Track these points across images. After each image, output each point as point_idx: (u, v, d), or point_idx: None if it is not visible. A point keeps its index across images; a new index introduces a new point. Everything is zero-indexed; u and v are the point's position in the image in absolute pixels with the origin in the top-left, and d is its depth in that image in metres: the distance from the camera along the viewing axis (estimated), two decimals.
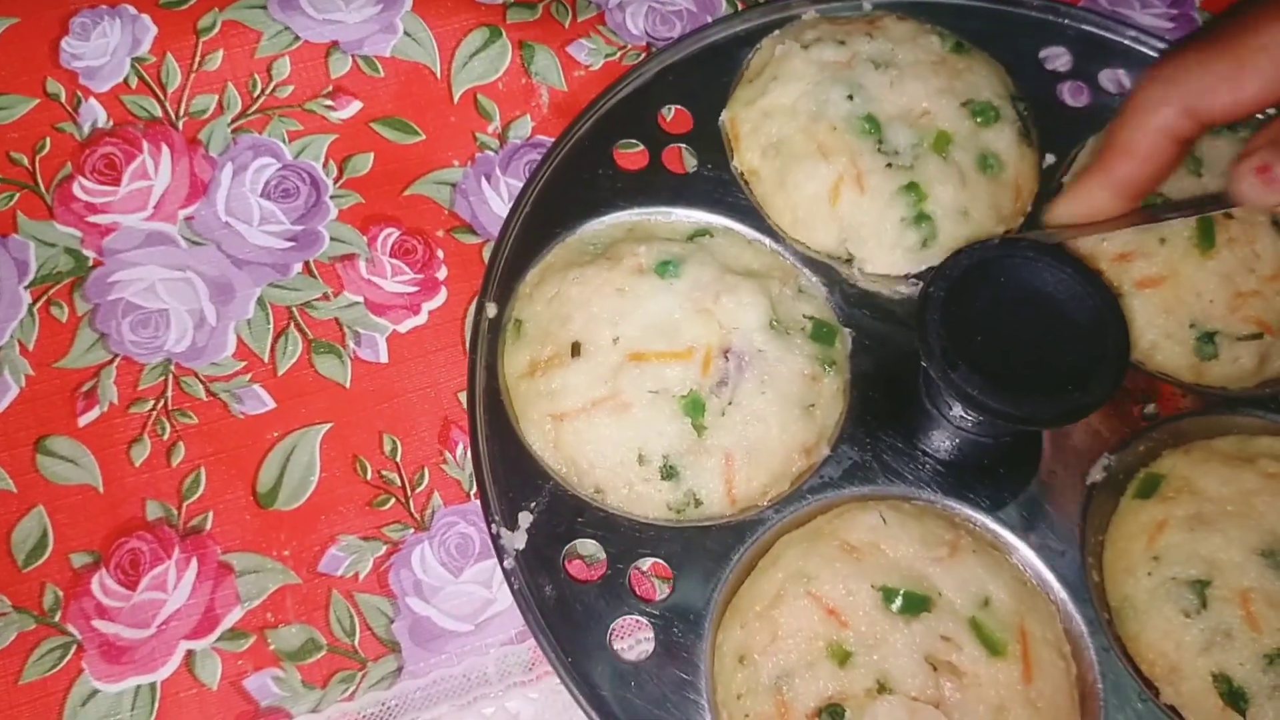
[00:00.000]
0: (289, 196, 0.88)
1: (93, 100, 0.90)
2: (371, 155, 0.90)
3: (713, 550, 0.73)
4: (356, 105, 0.91)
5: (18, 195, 0.86)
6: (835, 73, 0.84)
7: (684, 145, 0.87)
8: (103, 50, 0.91)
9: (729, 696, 0.69)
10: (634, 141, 0.87)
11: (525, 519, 0.74)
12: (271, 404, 0.81)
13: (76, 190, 0.87)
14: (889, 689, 0.65)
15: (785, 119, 0.84)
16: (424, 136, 0.91)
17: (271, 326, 0.83)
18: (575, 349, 0.76)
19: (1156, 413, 0.77)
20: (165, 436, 0.80)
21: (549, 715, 0.74)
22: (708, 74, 0.90)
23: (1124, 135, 0.70)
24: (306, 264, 0.86)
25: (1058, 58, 0.92)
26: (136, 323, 0.83)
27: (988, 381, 0.65)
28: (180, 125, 0.90)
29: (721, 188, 0.85)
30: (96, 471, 0.78)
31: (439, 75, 0.93)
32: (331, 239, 0.87)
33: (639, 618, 0.71)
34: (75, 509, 0.77)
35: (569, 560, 0.73)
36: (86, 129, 0.89)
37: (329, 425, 0.81)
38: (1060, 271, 0.68)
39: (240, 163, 0.89)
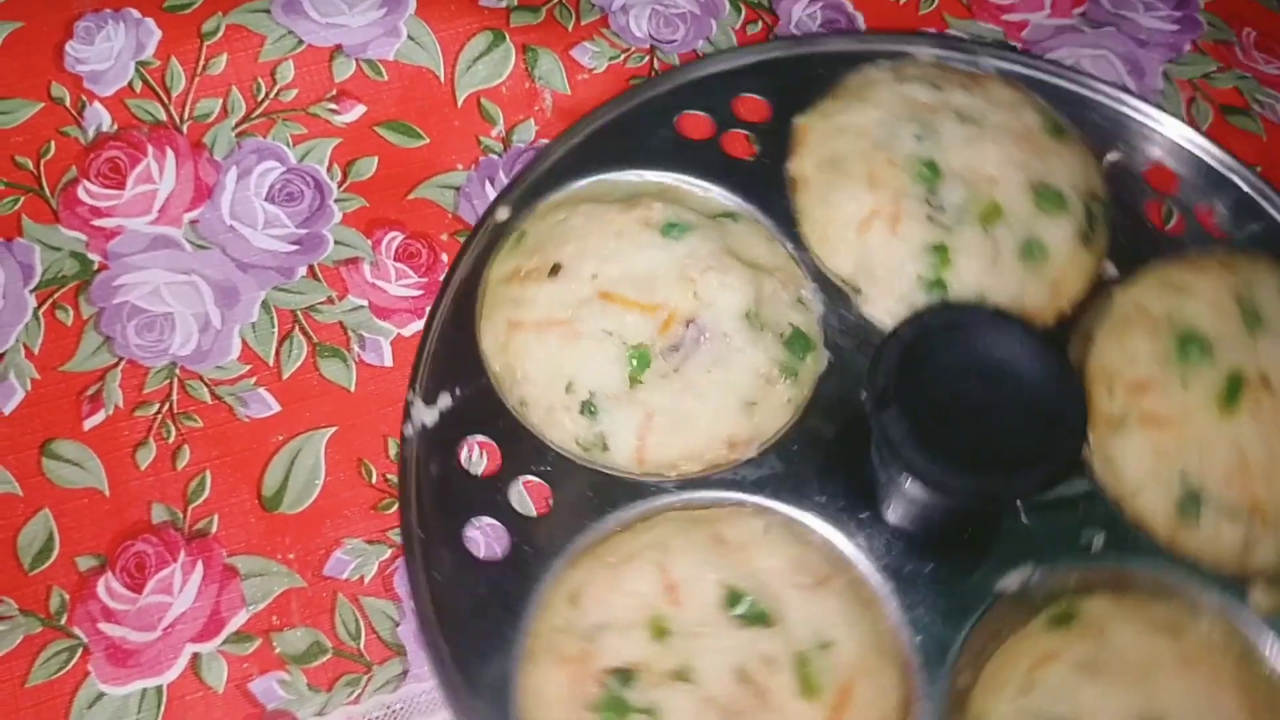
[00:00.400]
0: (293, 200, 0.88)
1: (97, 104, 0.90)
2: (375, 159, 0.90)
3: (598, 497, 0.73)
4: (360, 109, 0.92)
5: (22, 199, 0.87)
6: (916, 111, 0.82)
7: (750, 133, 0.87)
8: (107, 54, 0.91)
9: (547, 627, 0.68)
10: (703, 114, 0.88)
11: (444, 400, 0.75)
12: (277, 407, 0.81)
13: (81, 194, 0.87)
14: (687, 679, 0.64)
15: (851, 139, 0.83)
16: (428, 140, 0.91)
17: (276, 330, 0.84)
18: (555, 269, 0.77)
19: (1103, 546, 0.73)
20: (170, 440, 0.80)
21: None
22: (806, 80, 0.89)
23: None
24: (311, 267, 0.86)
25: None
26: (141, 326, 0.83)
27: (914, 432, 0.63)
28: (184, 129, 0.90)
29: (767, 183, 0.85)
30: (102, 475, 0.78)
31: (443, 79, 0.93)
32: (336, 242, 0.87)
33: (504, 526, 0.72)
34: (81, 512, 0.77)
35: (464, 449, 0.75)
36: (91, 133, 0.89)
37: (334, 429, 0.81)
38: (1042, 358, 0.66)
39: (244, 166, 0.89)
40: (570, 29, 0.96)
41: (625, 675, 0.65)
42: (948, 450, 0.63)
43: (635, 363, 0.75)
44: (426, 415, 0.75)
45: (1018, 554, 0.72)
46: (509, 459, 0.75)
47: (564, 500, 0.74)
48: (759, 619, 0.66)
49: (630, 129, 0.87)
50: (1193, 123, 0.95)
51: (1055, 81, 0.90)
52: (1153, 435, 0.73)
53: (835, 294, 0.81)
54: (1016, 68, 0.90)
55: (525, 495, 0.75)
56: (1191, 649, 0.68)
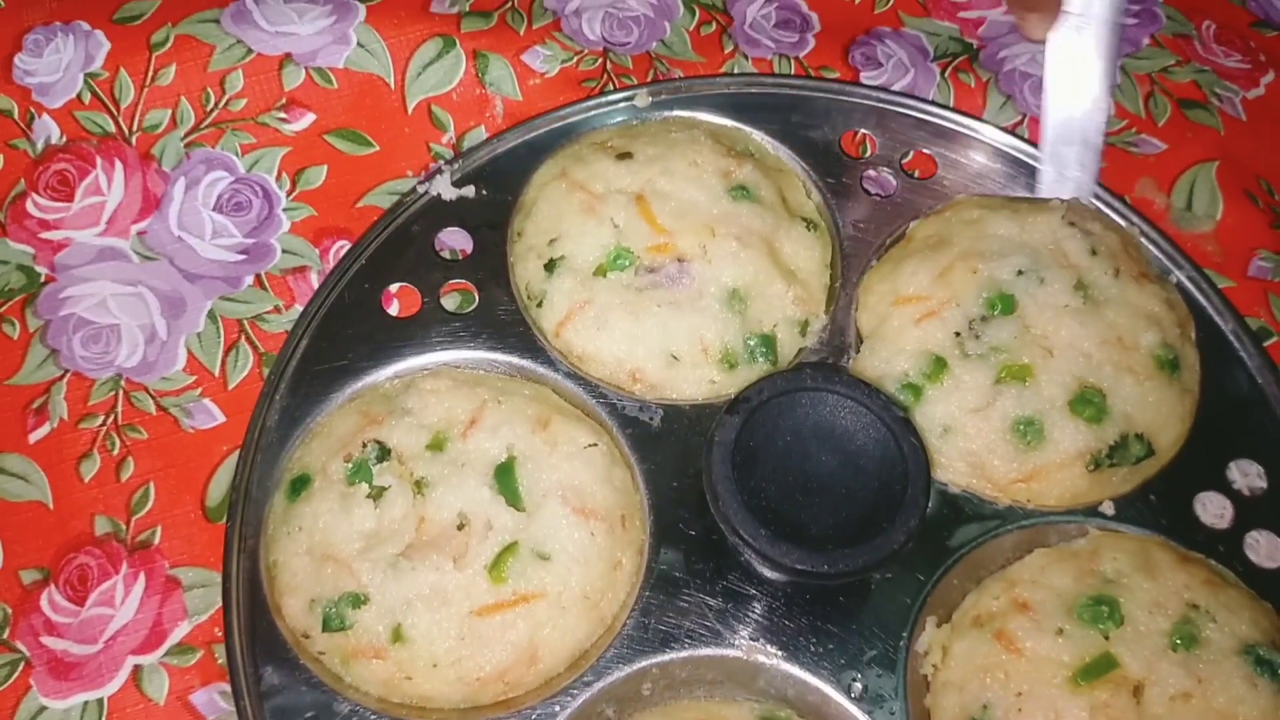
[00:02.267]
0: (241, 210, 0.88)
1: (46, 116, 0.90)
2: (325, 167, 0.90)
3: (504, 337, 0.80)
4: (310, 117, 0.92)
5: None
6: (1047, 253, 0.79)
7: (904, 181, 0.88)
8: (56, 66, 0.91)
9: (384, 389, 0.78)
10: (874, 137, 0.90)
11: (469, 190, 0.85)
12: (222, 418, 0.81)
13: (30, 207, 0.87)
14: (420, 492, 0.71)
15: (970, 235, 0.81)
16: (378, 148, 0.91)
17: (222, 340, 0.84)
18: (624, 155, 0.84)
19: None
20: (115, 452, 0.80)
21: None
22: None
23: None
24: (258, 277, 0.86)
25: None
26: (87, 338, 0.83)
27: (754, 523, 0.65)
28: (133, 140, 0.90)
29: (877, 221, 0.85)
30: (46, 488, 0.78)
31: (393, 86, 0.93)
32: (283, 251, 0.87)
33: (420, 297, 0.82)
34: (25, 526, 0.77)
35: (442, 234, 0.84)
36: (40, 145, 0.89)
37: None
38: (874, 421, 0.68)
39: (193, 177, 0.89)
40: (522, 33, 0.96)
41: (384, 453, 0.73)
42: (749, 484, 0.66)
43: (613, 259, 0.79)
44: (447, 191, 0.85)
45: (779, 635, 0.71)
46: (470, 262, 0.83)
47: (478, 319, 0.81)
48: (512, 496, 0.71)
49: (802, 109, 0.90)
50: (1150, 117, 0.94)
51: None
52: (995, 651, 0.69)
53: (840, 343, 0.81)
54: None
55: (457, 293, 0.82)
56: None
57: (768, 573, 0.72)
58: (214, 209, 0.88)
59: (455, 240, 0.84)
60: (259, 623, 0.71)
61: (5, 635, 0.74)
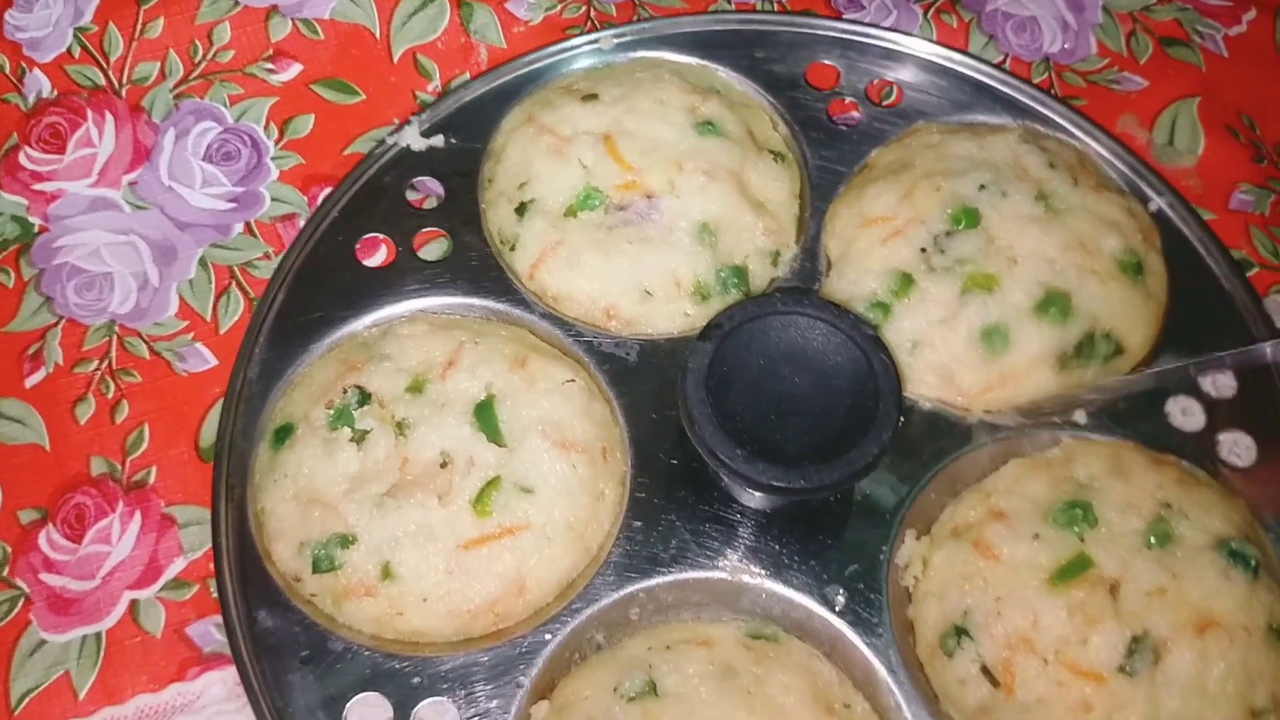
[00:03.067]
0: (230, 159, 0.89)
1: (37, 71, 0.91)
2: (312, 116, 0.91)
3: (478, 281, 0.81)
4: (297, 68, 0.93)
5: None
6: (1007, 168, 0.81)
7: (868, 110, 0.89)
8: (46, 21, 0.92)
9: (361, 337, 0.79)
10: (834, 67, 0.91)
11: (438, 139, 0.86)
12: (214, 361, 0.83)
13: (22, 159, 0.89)
14: (402, 433, 0.72)
15: (931, 157, 0.82)
16: (364, 96, 0.92)
17: (213, 286, 0.85)
18: (590, 97, 0.85)
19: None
20: (110, 395, 0.81)
21: None
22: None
23: None
24: (248, 224, 0.87)
25: None
26: (81, 286, 0.84)
27: (729, 444, 0.65)
28: (123, 93, 0.91)
29: (843, 150, 0.87)
30: (43, 430, 0.80)
31: (378, 36, 0.94)
32: (272, 199, 0.88)
33: (394, 248, 0.82)
34: (23, 467, 0.79)
35: (413, 184, 0.85)
36: (31, 99, 0.90)
37: None
38: (845, 340, 0.68)
39: (182, 127, 0.90)
40: None
41: (365, 398, 0.74)
42: (725, 408, 0.66)
43: (583, 199, 0.80)
44: (416, 142, 0.86)
45: (762, 555, 0.72)
46: (442, 210, 0.84)
47: (451, 265, 0.82)
48: (492, 432, 0.73)
49: (766, 44, 0.92)
50: (1131, 55, 0.95)
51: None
52: (973, 559, 0.70)
53: (811, 270, 0.82)
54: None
55: (429, 241, 0.83)
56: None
57: (746, 499, 0.73)
58: (203, 159, 0.89)
59: (427, 188, 0.85)
60: (250, 569, 0.72)
61: (5, 573, 0.76)
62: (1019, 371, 0.76)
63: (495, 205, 0.83)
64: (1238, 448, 0.76)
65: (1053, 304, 0.75)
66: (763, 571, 0.72)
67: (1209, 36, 0.96)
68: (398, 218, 0.83)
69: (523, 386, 0.74)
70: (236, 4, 0.93)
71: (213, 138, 0.90)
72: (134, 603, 0.75)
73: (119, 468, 0.79)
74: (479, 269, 0.81)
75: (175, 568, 0.76)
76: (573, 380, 0.75)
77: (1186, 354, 0.79)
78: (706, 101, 0.84)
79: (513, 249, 0.81)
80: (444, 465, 0.71)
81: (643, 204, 0.80)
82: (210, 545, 0.76)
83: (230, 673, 0.73)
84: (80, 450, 0.79)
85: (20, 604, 0.75)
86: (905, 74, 0.90)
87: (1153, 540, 0.69)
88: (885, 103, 0.90)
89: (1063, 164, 0.82)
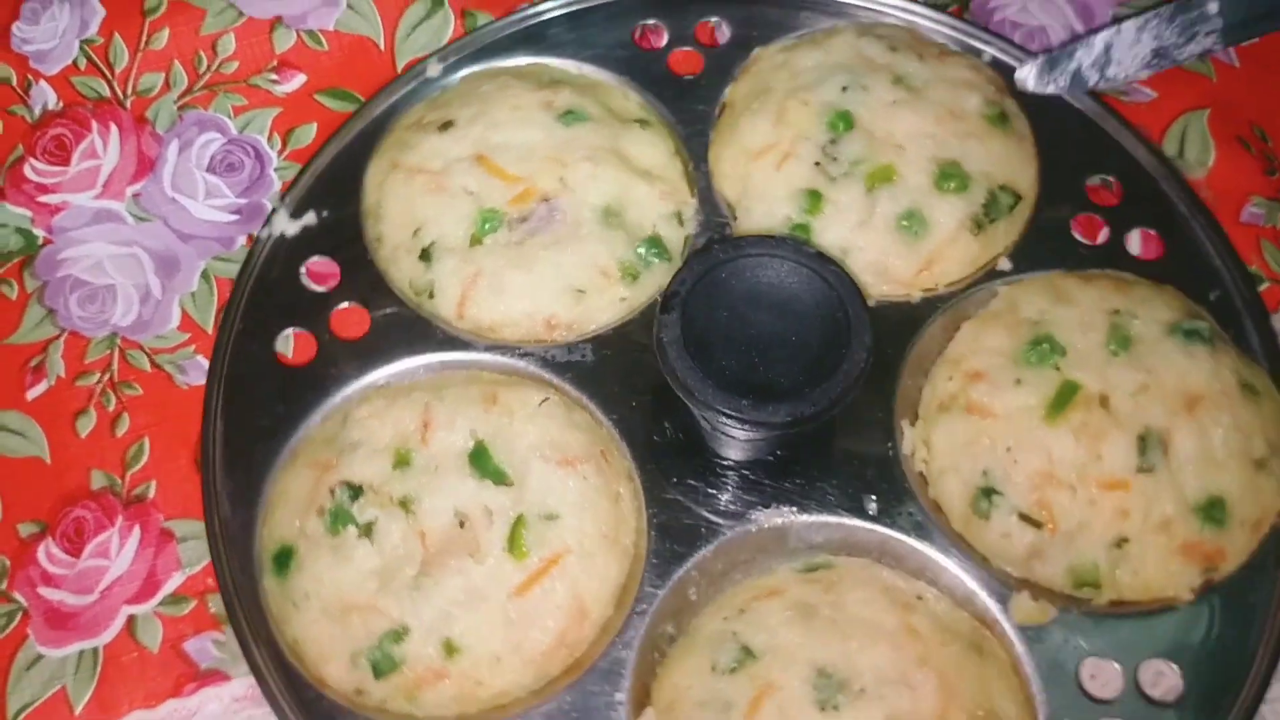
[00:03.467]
0: (234, 170, 0.89)
1: (43, 83, 0.91)
2: (315, 125, 0.91)
3: (407, 339, 0.79)
4: (301, 78, 0.92)
5: None
6: (858, 65, 0.84)
7: (702, 54, 0.90)
8: (52, 33, 0.92)
9: (317, 436, 0.75)
10: (662, 26, 0.91)
11: (309, 217, 0.83)
12: None
13: (27, 171, 0.89)
14: (408, 508, 0.70)
15: (785, 75, 0.85)
16: None
17: (215, 299, 0.85)
18: (447, 125, 0.83)
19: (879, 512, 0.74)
20: (110, 408, 0.81)
21: None
22: (775, 17, 0.91)
23: None
24: (251, 236, 0.87)
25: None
26: (84, 298, 0.84)
27: (682, 342, 0.66)
28: (128, 104, 0.91)
29: (695, 101, 0.87)
30: (44, 443, 0.80)
31: (382, 47, 0.93)
32: None
33: (315, 340, 0.79)
34: (23, 480, 0.79)
35: (305, 269, 0.82)
36: (37, 111, 0.91)
37: None
38: (794, 266, 0.69)
39: (186, 139, 0.90)
40: None
41: (356, 490, 0.71)
42: (712, 368, 0.66)
43: (482, 224, 0.79)
44: (289, 226, 0.82)
45: (785, 495, 0.74)
46: (345, 285, 0.81)
47: (379, 334, 0.79)
48: (496, 475, 0.71)
49: (585, 24, 0.91)
50: None
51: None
52: (971, 423, 0.73)
53: (715, 219, 0.83)
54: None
55: (346, 320, 0.80)
56: (914, 627, 0.68)
57: (749, 450, 0.75)
58: (207, 170, 0.89)
59: (320, 269, 0.82)
60: (310, 703, 0.69)
61: (3, 586, 0.76)
62: (943, 245, 0.79)
63: (395, 261, 0.81)
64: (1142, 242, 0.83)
65: (949, 176, 0.79)
66: (792, 509, 0.73)
67: None
68: (304, 308, 0.80)
69: (504, 422, 0.73)
70: (241, 15, 0.93)
71: (216, 149, 0.90)
72: (131, 618, 0.75)
73: (119, 481, 0.79)
74: (407, 328, 0.79)
75: (173, 583, 0.76)
76: (547, 398, 0.74)
77: (1068, 178, 0.84)
78: (558, 93, 0.84)
79: (431, 296, 0.79)
80: (463, 525, 0.70)
81: (542, 209, 0.79)
82: (210, 559, 0.76)
83: (226, 689, 0.73)
84: (80, 463, 0.79)
85: (18, 618, 0.75)
86: (723, 10, 0.91)
87: (1114, 347, 0.74)
88: (718, 42, 0.91)
89: (902, 45, 0.85)
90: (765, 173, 0.81)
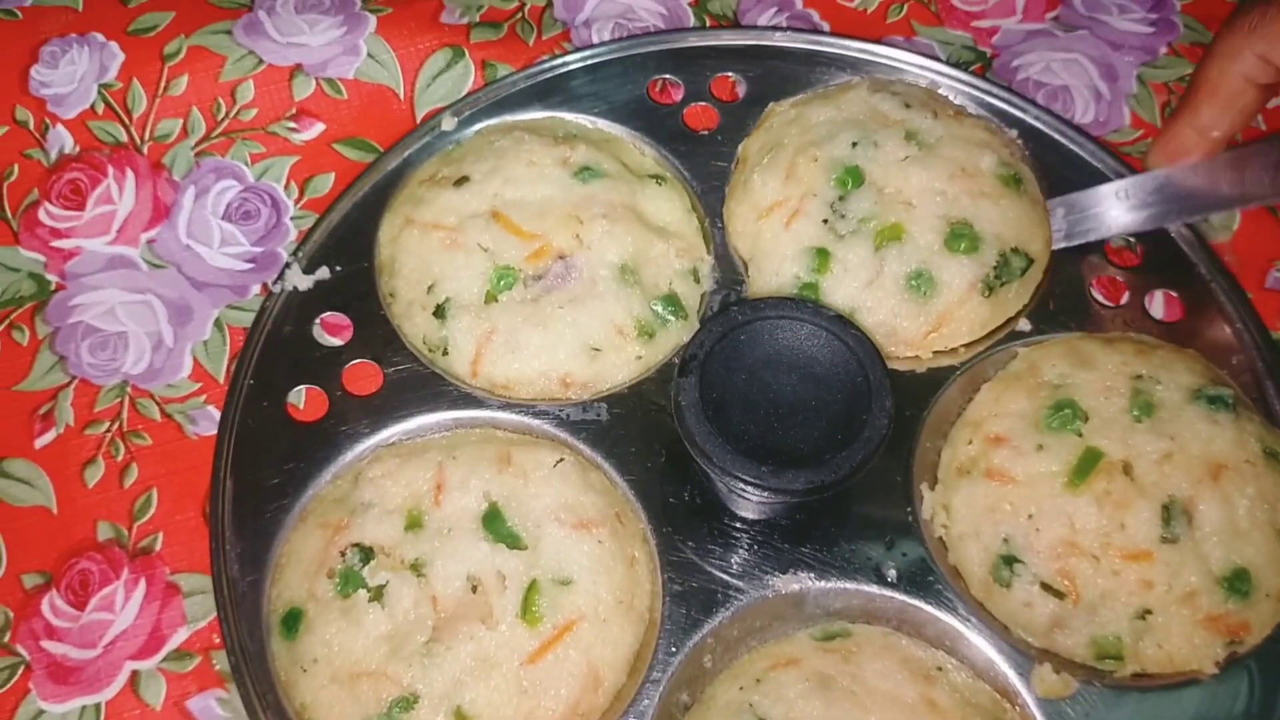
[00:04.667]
0: (249, 219, 0.89)
1: (60, 127, 0.91)
2: (333, 175, 0.91)
3: (422, 396, 0.78)
4: (319, 127, 0.92)
5: None
6: (870, 121, 0.83)
7: (716, 109, 0.90)
8: (71, 78, 0.92)
9: (328, 496, 0.74)
10: (677, 82, 0.92)
11: (322, 272, 0.82)
12: None
13: (42, 216, 0.88)
14: (420, 572, 0.69)
15: (796, 131, 0.85)
16: None
17: (228, 348, 0.84)
18: (462, 180, 0.82)
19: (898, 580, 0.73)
20: (119, 458, 0.80)
21: None
22: (787, 72, 0.92)
23: (1209, 80, 0.77)
24: (265, 285, 0.86)
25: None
26: (95, 345, 0.84)
27: (700, 405, 0.66)
28: (145, 150, 0.91)
29: (711, 157, 0.87)
30: (51, 493, 0.79)
31: (402, 97, 0.93)
32: None
33: (327, 398, 0.78)
34: (29, 530, 0.78)
35: (318, 323, 0.81)
36: (54, 155, 0.90)
37: None
38: (813, 330, 0.69)
39: (202, 185, 0.90)
40: (531, 44, 0.96)
41: (367, 553, 0.70)
42: (730, 431, 0.66)
43: (497, 281, 0.78)
44: (302, 281, 0.81)
45: (803, 561, 0.73)
46: (358, 341, 0.80)
47: (392, 391, 0.78)
48: (510, 539, 0.70)
49: (602, 78, 0.91)
50: None
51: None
52: (991, 489, 0.73)
53: (732, 275, 0.83)
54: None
55: (358, 376, 0.79)
56: (934, 700, 0.67)
57: (764, 512, 0.74)
58: (223, 217, 0.89)
59: (332, 324, 0.81)
60: None
61: (6, 639, 0.74)
62: (953, 308, 0.79)
63: (409, 316, 0.80)
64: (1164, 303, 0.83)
65: (960, 236, 0.78)
66: (810, 574, 0.73)
67: None
68: (316, 363, 0.79)
69: (518, 483, 0.72)
70: (261, 63, 0.93)
71: (233, 196, 0.89)
72: (135, 673, 0.74)
73: (125, 533, 0.78)
74: (420, 385, 0.78)
75: (178, 638, 0.75)
76: (562, 459, 0.73)
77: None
78: (574, 149, 0.84)
79: (445, 353, 0.78)
80: (475, 589, 0.68)
81: (558, 266, 0.79)
82: (215, 615, 0.74)
83: None
84: (87, 514, 0.78)
85: (20, 671, 0.74)
86: (739, 65, 0.91)
87: (1137, 413, 0.73)
88: (735, 98, 0.91)
89: (916, 101, 0.85)
90: (774, 230, 0.81)
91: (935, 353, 0.79)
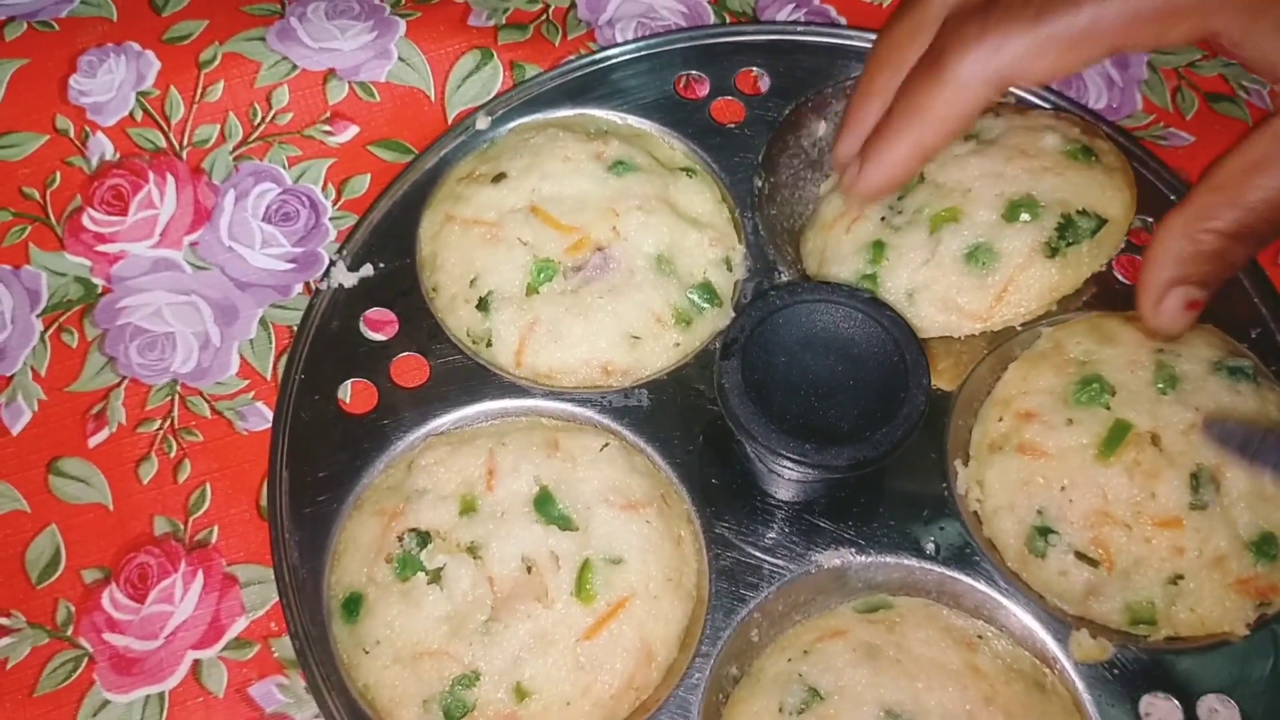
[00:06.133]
0: (289, 220, 0.91)
1: (100, 134, 0.93)
2: (368, 176, 0.93)
3: (468, 386, 0.80)
4: (353, 129, 0.94)
5: (29, 228, 0.90)
6: None
7: (743, 103, 0.92)
8: (109, 86, 0.94)
9: (382, 484, 0.76)
10: (703, 77, 0.94)
11: (366, 269, 0.84)
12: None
13: (86, 221, 0.90)
14: (476, 555, 0.71)
15: None
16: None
17: (274, 345, 0.86)
18: (500, 177, 0.84)
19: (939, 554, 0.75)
20: (172, 454, 0.82)
21: None
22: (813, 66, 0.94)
23: (946, 111, 0.66)
24: (307, 284, 0.88)
25: None
26: (144, 346, 0.85)
27: (744, 387, 0.68)
28: (184, 155, 0.93)
29: (739, 149, 0.90)
30: (106, 490, 0.81)
31: (433, 98, 0.95)
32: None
33: (376, 390, 0.80)
34: (86, 527, 0.80)
35: (364, 319, 0.83)
36: (95, 162, 0.92)
37: None
38: (850, 312, 0.71)
39: (242, 189, 0.92)
40: (557, 44, 0.98)
41: (424, 538, 0.72)
42: (772, 412, 0.68)
43: (538, 273, 0.80)
44: (347, 278, 0.84)
45: (843, 537, 0.75)
46: (404, 334, 0.82)
47: (438, 382, 0.80)
48: (562, 521, 0.72)
49: (630, 75, 0.93)
50: (1177, 111, 0.95)
51: None
52: (1024, 463, 0.75)
53: (764, 265, 0.85)
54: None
55: (406, 369, 0.81)
56: (978, 666, 0.69)
57: (805, 491, 0.76)
58: (263, 219, 0.91)
59: (378, 319, 0.83)
60: None
61: (69, 632, 0.76)
62: (1017, 274, 0.79)
63: (453, 310, 0.82)
64: None
65: (1019, 207, 0.78)
66: (851, 550, 0.75)
67: (1255, 91, 0.96)
68: (364, 357, 0.81)
69: (567, 467, 0.74)
70: (295, 68, 0.95)
71: (272, 198, 0.91)
72: (197, 663, 0.76)
73: (181, 527, 0.80)
74: (465, 376, 0.80)
75: (237, 627, 0.77)
76: (607, 443, 0.76)
77: (1166, 205, 0.81)
78: (607, 144, 0.86)
79: (489, 345, 0.81)
80: (530, 570, 0.70)
81: (596, 258, 0.81)
82: (274, 601, 0.77)
83: None
84: (143, 510, 0.80)
85: (84, 664, 0.75)
86: (761, 60, 0.94)
87: (1162, 385, 0.75)
88: (759, 91, 0.93)
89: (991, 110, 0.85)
90: (837, 238, 0.83)
91: (1004, 323, 0.80)
